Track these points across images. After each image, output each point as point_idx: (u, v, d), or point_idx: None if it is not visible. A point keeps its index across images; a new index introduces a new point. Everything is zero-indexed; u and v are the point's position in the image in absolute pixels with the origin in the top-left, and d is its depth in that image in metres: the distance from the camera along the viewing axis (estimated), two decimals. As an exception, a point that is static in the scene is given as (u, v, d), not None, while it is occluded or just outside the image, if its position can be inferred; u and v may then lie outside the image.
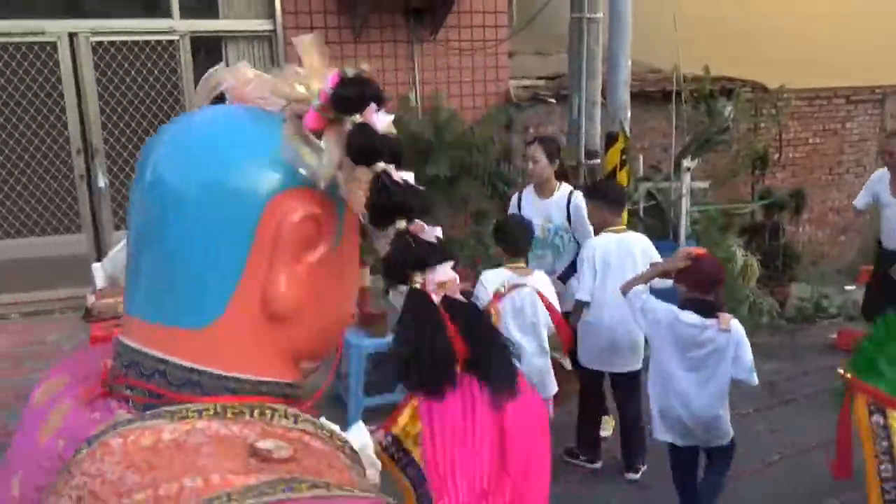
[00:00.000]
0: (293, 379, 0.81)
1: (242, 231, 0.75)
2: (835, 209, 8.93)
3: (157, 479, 0.64)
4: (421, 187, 0.78)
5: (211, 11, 6.47)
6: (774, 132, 8.33)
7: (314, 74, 0.76)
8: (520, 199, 4.62)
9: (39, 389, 0.84)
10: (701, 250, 3.46)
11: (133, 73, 6.21)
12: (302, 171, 0.74)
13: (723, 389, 3.27)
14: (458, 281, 0.82)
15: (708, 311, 3.23)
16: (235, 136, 0.76)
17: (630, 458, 4.25)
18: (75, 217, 6.36)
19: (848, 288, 7.26)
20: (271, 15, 6.45)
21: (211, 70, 0.83)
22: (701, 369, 3.25)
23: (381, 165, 0.74)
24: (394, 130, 0.77)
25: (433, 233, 0.79)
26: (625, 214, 5.36)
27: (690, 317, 3.22)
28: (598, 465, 4.36)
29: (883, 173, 5.34)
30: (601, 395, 4.44)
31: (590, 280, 4.02)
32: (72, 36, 6.05)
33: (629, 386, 4.23)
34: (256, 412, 0.73)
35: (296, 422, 0.75)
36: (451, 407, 1.11)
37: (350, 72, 0.74)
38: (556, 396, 4.85)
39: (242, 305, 0.76)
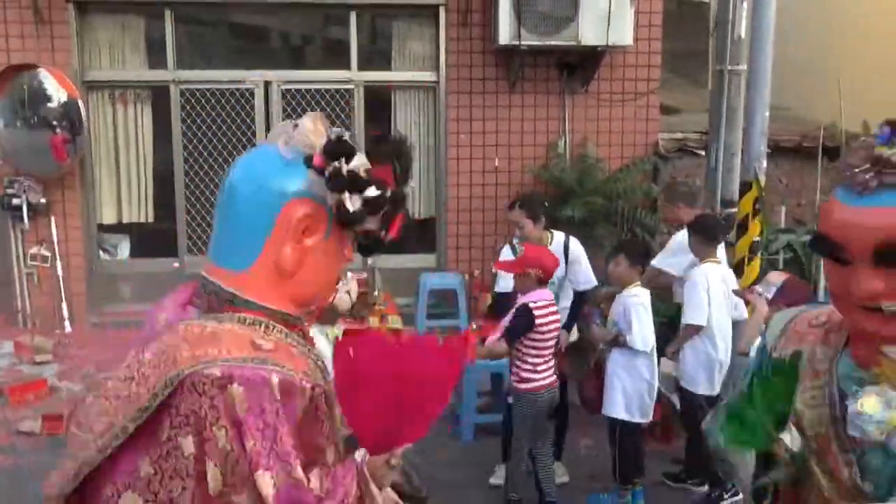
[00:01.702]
0: (292, 312, 1.37)
1: (269, 217, 1.31)
2: None
3: (196, 346, 1.24)
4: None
5: (384, 64, 7.25)
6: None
7: (319, 134, 1.32)
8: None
9: (156, 307, 1.42)
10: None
11: (314, 116, 7.05)
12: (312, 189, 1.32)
13: None
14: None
15: None
16: (276, 164, 1.32)
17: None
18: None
19: None
20: (436, 68, 7.11)
21: (279, 124, 1.40)
22: None
23: (344, 196, 1.29)
24: (366, 166, 1.31)
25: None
26: (757, 262, 5.36)
27: None
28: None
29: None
30: None
31: (706, 306, 4.15)
32: (266, 84, 7.03)
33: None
34: (262, 325, 1.32)
35: (286, 336, 1.34)
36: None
37: (334, 136, 1.31)
38: (668, 432, 4.92)
39: (264, 261, 1.32)
